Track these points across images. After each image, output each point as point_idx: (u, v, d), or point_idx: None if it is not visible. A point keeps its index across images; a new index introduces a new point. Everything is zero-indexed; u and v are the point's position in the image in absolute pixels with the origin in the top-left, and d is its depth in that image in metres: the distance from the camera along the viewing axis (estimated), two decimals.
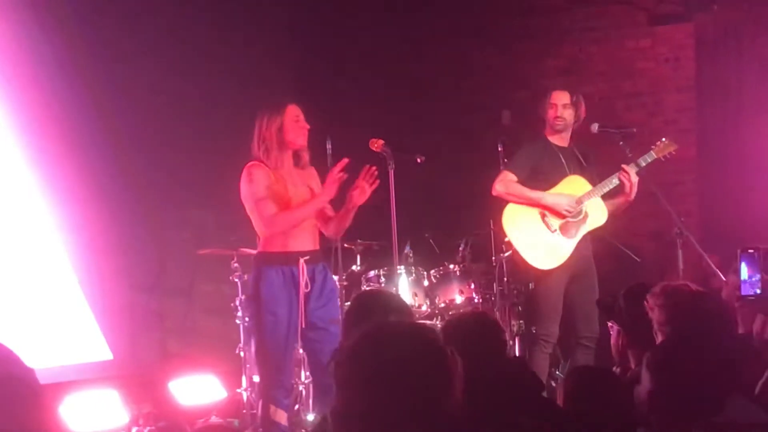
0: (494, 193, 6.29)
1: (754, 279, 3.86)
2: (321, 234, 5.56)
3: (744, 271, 3.90)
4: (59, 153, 7.10)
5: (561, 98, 6.34)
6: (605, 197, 6.33)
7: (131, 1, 7.66)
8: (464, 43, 8.97)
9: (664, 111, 8.43)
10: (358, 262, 7.18)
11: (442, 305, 7.03)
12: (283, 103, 5.43)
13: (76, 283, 7.12)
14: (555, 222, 6.26)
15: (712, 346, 3.03)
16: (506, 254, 6.54)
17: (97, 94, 7.24)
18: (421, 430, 2.21)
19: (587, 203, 6.29)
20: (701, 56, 8.30)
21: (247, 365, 6.78)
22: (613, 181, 6.29)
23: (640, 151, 6.37)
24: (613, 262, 7.26)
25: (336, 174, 5.22)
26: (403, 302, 4.25)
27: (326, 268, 5.52)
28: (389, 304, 3.90)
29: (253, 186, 5.31)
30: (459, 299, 7.03)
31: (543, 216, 6.27)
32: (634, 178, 6.25)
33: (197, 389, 6.79)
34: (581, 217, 6.29)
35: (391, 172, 5.28)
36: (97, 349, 7.19)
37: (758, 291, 3.84)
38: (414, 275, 7.00)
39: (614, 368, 4.19)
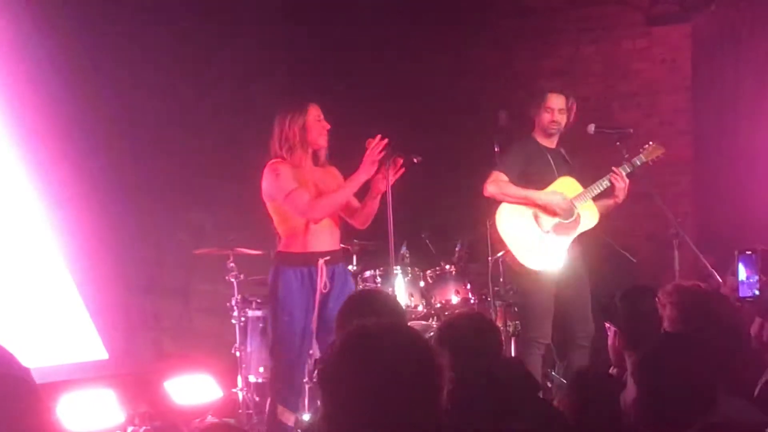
0: (486, 194, 6.27)
1: (751, 280, 3.87)
2: (342, 234, 5.57)
3: (742, 272, 3.90)
4: (55, 154, 7.09)
5: (557, 102, 6.31)
6: (594, 199, 6.34)
7: (125, 4, 7.64)
8: (461, 43, 8.98)
9: (660, 112, 8.43)
10: (355, 262, 7.18)
11: (438, 306, 7.03)
12: (305, 103, 5.44)
13: (72, 283, 7.12)
14: (548, 223, 6.26)
15: (706, 346, 3.03)
16: (499, 254, 6.53)
17: (92, 95, 7.24)
18: None
19: (579, 205, 6.30)
20: (698, 57, 8.31)
21: (243, 365, 6.78)
22: (604, 183, 6.29)
23: (635, 153, 6.38)
24: (609, 263, 7.26)
25: (373, 152, 5.21)
26: (398, 303, 4.25)
27: (346, 269, 5.53)
28: (386, 304, 3.90)
29: (280, 180, 5.29)
30: (455, 300, 7.03)
31: (536, 217, 6.26)
32: (626, 181, 6.26)
33: (193, 389, 6.79)
34: (573, 218, 6.29)
35: (390, 172, 5.26)
36: (93, 348, 7.18)
37: (756, 292, 3.85)
38: (410, 275, 7.00)
39: (611, 369, 4.20)
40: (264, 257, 6.88)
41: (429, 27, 9.00)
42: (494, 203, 6.30)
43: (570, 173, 6.37)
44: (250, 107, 8.53)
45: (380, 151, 5.19)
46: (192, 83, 8.01)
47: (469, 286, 7.09)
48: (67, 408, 5.81)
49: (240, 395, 6.74)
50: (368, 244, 7.15)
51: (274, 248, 5.63)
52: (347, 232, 5.91)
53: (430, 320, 6.99)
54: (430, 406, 2.22)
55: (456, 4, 8.96)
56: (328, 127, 5.44)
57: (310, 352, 5.54)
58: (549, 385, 6.75)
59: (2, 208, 6.82)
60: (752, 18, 7.98)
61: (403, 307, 5.70)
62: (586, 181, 6.34)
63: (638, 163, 6.33)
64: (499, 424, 3.14)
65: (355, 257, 7.18)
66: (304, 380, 5.55)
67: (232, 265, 6.73)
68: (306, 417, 6.18)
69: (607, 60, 8.67)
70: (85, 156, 7.22)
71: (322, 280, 5.27)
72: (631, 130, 6.64)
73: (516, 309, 6.70)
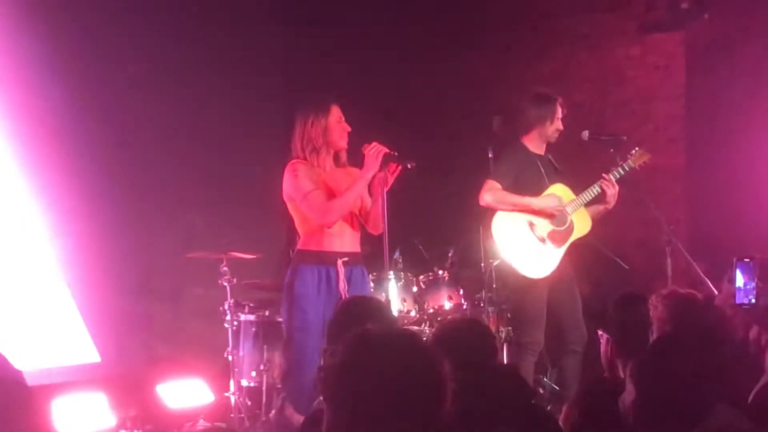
0: (482, 203, 6.28)
1: (748, 287, 3.89)
2: (368, 237, 5.58)
3: (739, 279, 3.92)
4: (47, 156, 7.09)
5: (561, 112, 6.38)
6: (586, 205, 6.37)
7: (118, 4, 7.63)
8: (455, 50, 8.98)
9: (653, 119, 8.44)
10: None
11: (431, 311, 7.04)
12: (327, 104, 5.45)
13: (65, 285, 7.10)
14: (543, 231, 6.28)
15: (701, 352, 3.04)
16: (495, 262, 6.54)
17: (85, 97, 7.24)
18: None
19: (572, 212, 6.31)
20: (691, 65, 8.31)
21: (235, 369, 6.77)
22: (596, 190, 6.32)
23: (623, 159, 6.41)
24: (601, 270, 7.27)
25: (372, 148, 5.22)
26: (390, 311, 4.24)
27: (365, 273, 5.54)
28: (381, 311, 3.90)
29: (299, 181, 5.32)
30: (448, 305, 7.03)
31: (531, 225, 6.28)
32: (616, 187, 6.29)
33: (185, 393, 6.78)
34: (567, 225, 6.31)
35: (388, 176, 5.28)
36: (85, 351, 7.17)
37: (752, 300, 3.87)
38: (403, 281, 7.01)
39: (603, 375, 4.21)
40: (257, 261, 6.89)
41: (423, 33, 9.00)
42: (488, 210, 6.31)
43: (560, 180, 6.40)
44: (243, 111, 8.54)
45: (380, 151, 5.20)
46: (186, 87, 8.00)
47: (461, 292, 7.10)
48: (58, 411, 5.79)
49: (232, 399, 6.73)
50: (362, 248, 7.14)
51: (278, 250, 5.63)
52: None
53: (423, 326, 6.99)
54: (436, 413, 2.20)
55: (451, 10, 8.97)
56: (349, 129, 5.46)
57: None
58: (541, 391, 6.76)
59: None
60: (745, 26, 7.99)
61: (395, 314, 5.71)
62: (575, 188, 6.36)
63: (626, 168, 6.36)
64: (492, 430, 3.14)
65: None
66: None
67: (225, 269, 6.72)
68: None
69: (601, 67, 8.67)
70: (79, 159, 7.21)
71: (342, 280, 5.27)
72: (625, 137, 6.67)
73: (509, 315, 6.71)
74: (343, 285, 5.29)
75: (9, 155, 6.93)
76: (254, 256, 6.81)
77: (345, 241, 5.41)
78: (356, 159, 5.42)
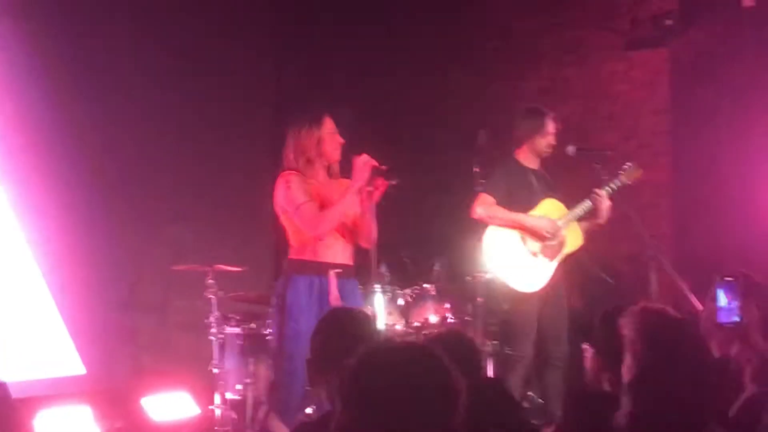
0: (475, 216, 6.30)
1: (732, 306, 3.87)
2: (357, 250, 5.57)
3: (722, 298, 3.91)
4: (33, 167, 7.07)
5: (554, 127, 6.40)
6: (577, 221, 6.39)
7: (102, 11, 7.62)
8: (441, 64, 9.01)
9: (639, 134, 8.47)
10: None
11: (417, 324, 7.02)
12: (320, 116, 5.46)
13: (50, 297, 7.08)
14: (535, 245, 6.30)
15: (688, 369, 3.05)
16: (487, 276, 6.54)
17: (70, 105, 7.23)
18: None
19: (564, 227, 6.33)
20: (676, 81, 8.36)
21: (221, 382, 6.75)
22: (587, 205, 6.34)
23: (614, 174, 6.43)
24: (588, 285, 7.29)
25: (361, 159, 5.22)
26: (375, 325, 4.24)
27: (356, 286, 5.54)
28: (366, 324, 3.89)
29: (291, 192, 5.32)
30: (434, 319, 7.02)
31: (523, 240, 6.30)
32: (607, 202, 6.31)
33: (170, 406, 6.77)
34: (559, 240, 6.33)
35: (374, 191, 5.29)
36: (70, 363, 7.15)
37: (736, 318, 3.85)
38: (389, 294, 7.00)
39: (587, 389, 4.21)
40: (243, 274, 6.88)
41: (410, 47, 9.03)
42: (477, 223, 6.34)
43: (553, 194, 6.42)
44: (231, 123, 8.54)
45: (369, 163, 5.21)
46: (174, 98, 8.00)
47: (447, 305, 7.09)
48: (43, 423, 5.77)
49: (217, 412, 6.71)
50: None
51: (265, 263, 5.63)
52: None
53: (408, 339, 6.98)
54: (449, 419, 2.22)
55: (437, 24, 9.00)
56: (342, 141, 5.46)
57: None
58: (526, 405, 6.75)
59: None
60: (730, 42, 8.04)
61: (380, 326, 5.71)
62: (566, 202, 6.38)
63: (619, 183, 6.38)
64: None
65: None
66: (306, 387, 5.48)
67: (211, 281, 6.70)
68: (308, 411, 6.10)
69: (586, 82, 8.71)
70: (64, 169, 7.20)
71: (334, 290, 5.27)
72: (610, 152, 6.70)
73: (495, 329, 6.72)
74: (335, 296, 5.28)
75: None
76: (240, 269, 6.80)
77: (338, 252, 5.42)
78: (348, 171, 5.43)
